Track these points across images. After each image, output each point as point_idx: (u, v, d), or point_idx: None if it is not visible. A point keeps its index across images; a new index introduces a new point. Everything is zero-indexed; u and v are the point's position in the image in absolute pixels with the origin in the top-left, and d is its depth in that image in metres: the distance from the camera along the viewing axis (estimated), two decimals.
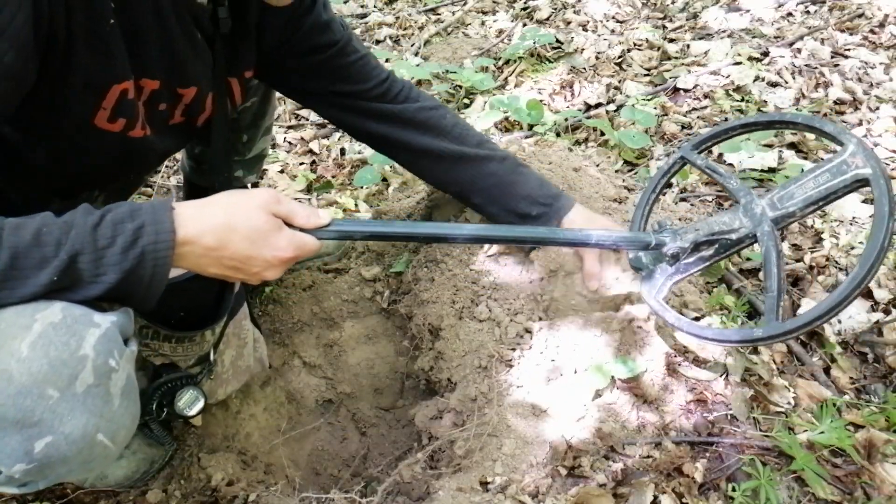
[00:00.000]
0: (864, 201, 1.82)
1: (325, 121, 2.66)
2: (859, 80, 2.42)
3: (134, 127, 1.05)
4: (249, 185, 1.82)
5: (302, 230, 1.00)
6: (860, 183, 1.06)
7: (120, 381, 0.84)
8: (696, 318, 1.41)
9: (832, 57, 2.60)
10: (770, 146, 2.08)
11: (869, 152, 1.06)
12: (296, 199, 2.13)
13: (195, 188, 1.76)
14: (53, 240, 0.78)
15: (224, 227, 0.90)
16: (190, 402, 1.16)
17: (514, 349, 1.37)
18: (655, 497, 1.13)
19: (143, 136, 1.09)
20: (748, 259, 1.67)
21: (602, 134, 2.25)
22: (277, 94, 1.71)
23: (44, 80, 0.89)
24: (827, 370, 1.40)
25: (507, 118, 2.42)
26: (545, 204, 1.36)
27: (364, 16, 3.68)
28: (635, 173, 2.04)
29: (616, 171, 2.01)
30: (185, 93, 1.13)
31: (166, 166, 2.38)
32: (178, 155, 1.83)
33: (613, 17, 3.21)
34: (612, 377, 1.28)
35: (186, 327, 1.15)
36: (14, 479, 0.80)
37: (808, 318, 1.03)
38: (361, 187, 2.19)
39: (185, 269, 0.93)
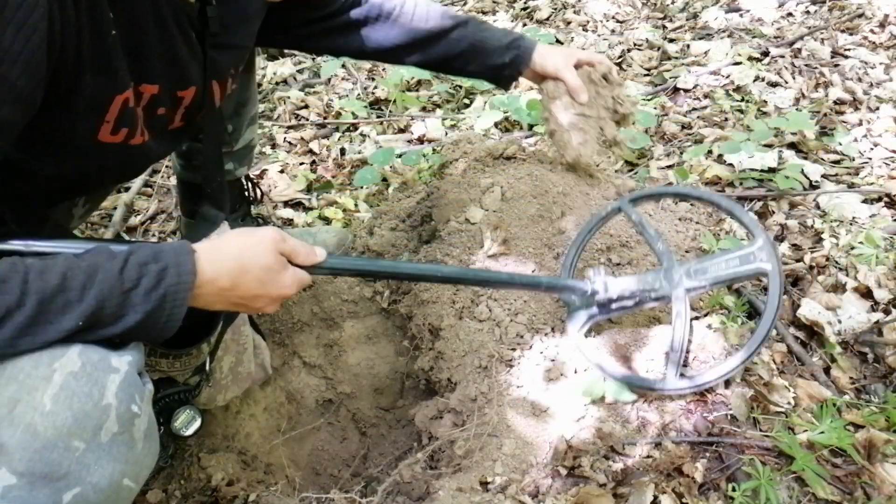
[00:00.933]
0: (864, 201, 1.82)
1: (325, 120, 2.67)
2: (859, 80, 2.42)
3: (134, 135, 1.05)
4: (243, 178, 1.81)
5: (301, 267, 1.02)
6: (761, 274, 1.27)
7: (142, 426, 0.85)
8: (695, 318, 1.42)
9: (832, 57, 2.60)
10: (770, 146, 2.08)
11: (772, 249, 1.26)
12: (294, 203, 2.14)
13: (187, 185, 1.75)
14: (79, 284, 0.79)
15: (238, 269, 0.92)
16: (186, 423, 1.17)
17: (514, 349, 1.37)
18: (655, 497, 1.13)
19: (142, 142, 1.09)
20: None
21: None
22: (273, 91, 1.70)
23: (51, 104, 0.89)
24: (827, 370, 1.40)
25: (507, 118, 2.42)
26: (514, 47, 1.54)
27: None
28: (635, 173, 2.04)
29: (616, 171, 2.01)
30: (184, 95, 1.13)
31: (166, 166, 2.38)
32: None
33: (613, 17, 3.21)
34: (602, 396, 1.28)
35: (184, 341, 1.15)
36: None
37: (699, 382, 1.24)
38: (361, 187, 2.19)
39: (193, 305, 0.94)
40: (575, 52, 1.57)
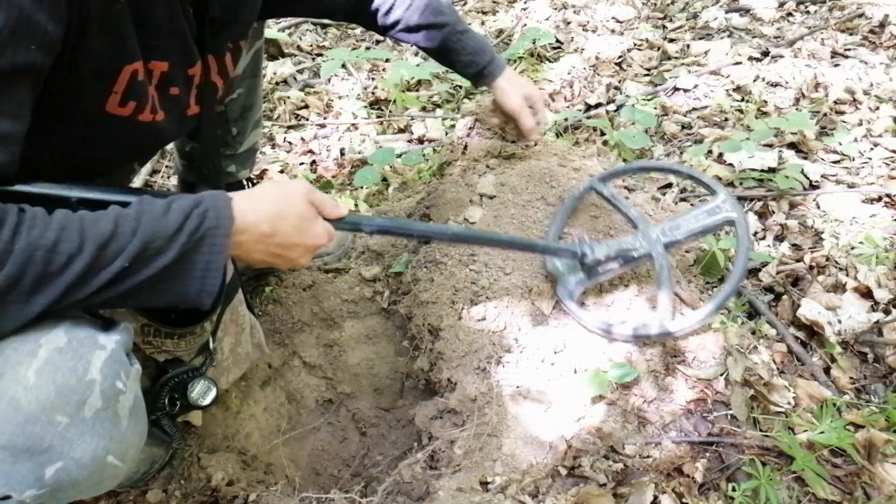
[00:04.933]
0: (864, 201, 1.82)
1: (325, 120, 2.67)
2: (859, 80, 2.42)
3: (143, 111, 1.04)
4: (244, 181, 1.82)
5: (327, 220, 1.05)
6: (728, 223, 1.40)
7: (127, 402, 0.85)
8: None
9: (832, 57, 2.60)
10: (770, 146, 2.08)
11: (734, 201, 1.41)
12: None
13: (189, 186, 1.76)
14: (129, 230, 0.81)
15: (276, 216, 0.95)
16: (203, 392, 1.18)
17: (513, 350, 1.37)
18: (655, 497, 1.13)
19: (153, 120, 1.08)
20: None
21: (602, 134, 2.25)
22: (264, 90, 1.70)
23: (56, 68, 0.88)
24: (827, 370, 1.40)
25: None
26: (480, 71, 1.63)
27: None
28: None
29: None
30: (194, 73, 1.13)
31: (166, 166, 2.38)
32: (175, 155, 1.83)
33: (613, 17, 3.21)
34: (609, 382, 1.28)
35: (186, 322, 1.16)
36: None
37: (690, 323, 1.32)
38: (361, 187, 2.19)
39: (235, 257, 0.97)
40: (529, 90, 1.67)
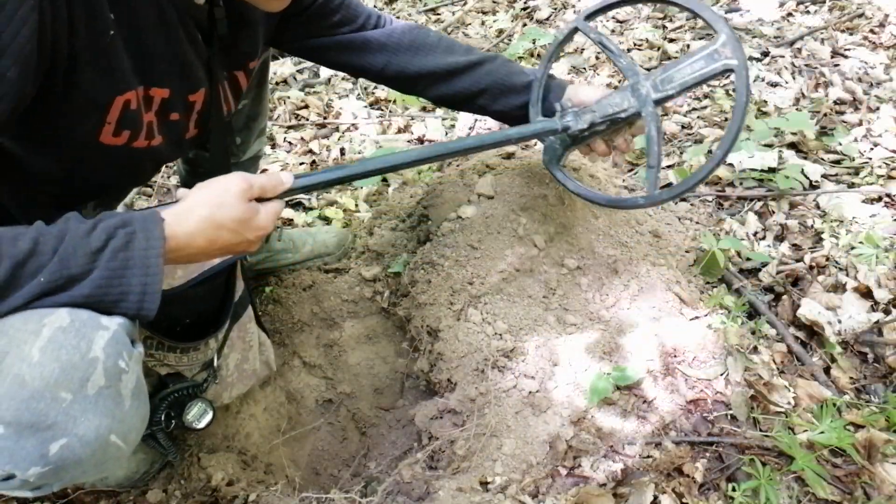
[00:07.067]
0: (864, 201, 1.82)
1: (325, 120, 2.67)
2: (859, 80, 2.42)
3: (138, 138, 1.05)
4: None
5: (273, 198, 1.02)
6: (728, 71, 1.17)
7: (130, 383, 0.85)
8: (696, 318, 1.42)
9: (832, 57, 2.60)
10: (770, 146, 2.08)
11: (737, 44, 1.15)
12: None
13: None
14: (50, 248, 0.79)
15: (212, 228, 0.92)
16: (198, 415, 1.18)
17: (513, 349, 1.37)
18: (655, 497, 1.13)
19: (148, 146, 1.08)
20: (748, 259, 1.67)
21: None
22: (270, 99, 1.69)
23: (47, 100, 0.89)
24: (827, 370, 1.40)
25: None
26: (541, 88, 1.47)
27: None
28: (635, 173, 2.04)
29: (616, 172, 2.01)
30: (195, 98, 1.13)
31: (167, 166, 2.38)
32: None
33: (613, 17, 3.21)
34: (611, 385, 1.28)
35: (191, 336, 1.15)
36: (28, 483, 0.81)
37: (677, 191, 1.23)
38: (361, 187, 2.19)
39: (175, 264, 0.94)
40: (601, 94, 1.41)
